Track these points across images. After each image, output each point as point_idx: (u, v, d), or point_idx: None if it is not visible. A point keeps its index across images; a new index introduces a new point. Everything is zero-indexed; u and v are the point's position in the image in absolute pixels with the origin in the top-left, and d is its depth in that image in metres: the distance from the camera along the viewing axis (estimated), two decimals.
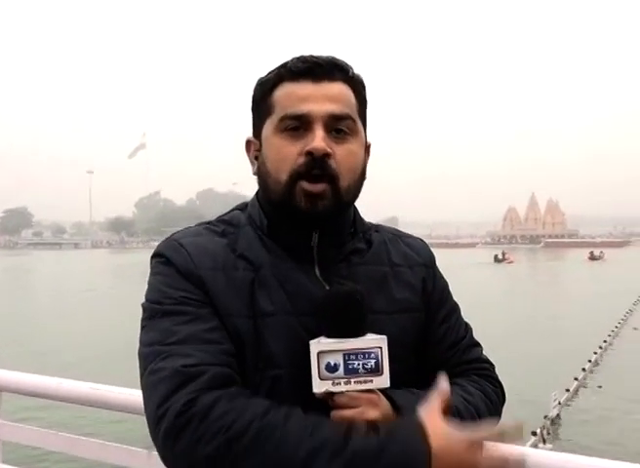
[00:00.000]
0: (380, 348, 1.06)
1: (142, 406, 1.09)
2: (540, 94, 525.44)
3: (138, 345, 1.14)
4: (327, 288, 1.17)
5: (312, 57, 1.19)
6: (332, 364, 1.04)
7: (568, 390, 15.30)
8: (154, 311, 1.14)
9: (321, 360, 1.04)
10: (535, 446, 10.40)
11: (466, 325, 1.38)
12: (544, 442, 12.35)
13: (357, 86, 1.23)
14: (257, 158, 1.25)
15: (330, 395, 1.05)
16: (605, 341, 21.39)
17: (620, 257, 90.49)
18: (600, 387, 16.01)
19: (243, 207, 1.30)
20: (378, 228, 1.36)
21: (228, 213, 1.31)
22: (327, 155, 1.13)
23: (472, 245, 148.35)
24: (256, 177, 1.25)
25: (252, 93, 1.26)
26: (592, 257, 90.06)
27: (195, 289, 1.14)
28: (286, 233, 1.21)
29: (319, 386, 1.04)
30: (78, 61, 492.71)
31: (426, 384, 1.18)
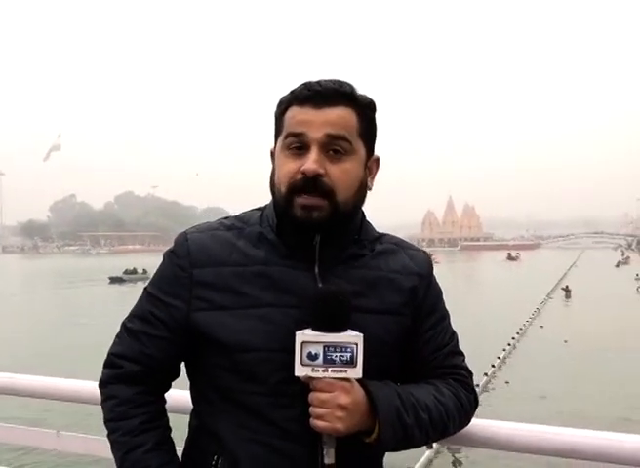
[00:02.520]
0: (357, 344, 1.21)
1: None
2: (467, 105, 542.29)
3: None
4: (320, 285, 1.31)
5: (317, 84, 1.31)
6: (313, 353, 1.21)
7: (477, 385, 15.90)
8: (143, 292, 1.41)
9: (304, 349, 1.21)
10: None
11: (453, 333, 1.48)
12: None
13: (362, 108, 1.34)
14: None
15: (310, 379, 1.22)
16: (513, 338, 22.40)
17: (533, 258, 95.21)
18: (507, 383, 16.70)
19: (263, 207, 1.43)
20: (382, 239, 1.46)
21: (249, 211, 1.45)
22: (319, 175, 1.27)
23: None
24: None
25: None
26: (510, 258, 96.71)
27: (175, 290, 1.34)
28: (292, 233, 1.34)
29: (300, 371, 1.21)
30: None
31: (409, 381, 1.40)
